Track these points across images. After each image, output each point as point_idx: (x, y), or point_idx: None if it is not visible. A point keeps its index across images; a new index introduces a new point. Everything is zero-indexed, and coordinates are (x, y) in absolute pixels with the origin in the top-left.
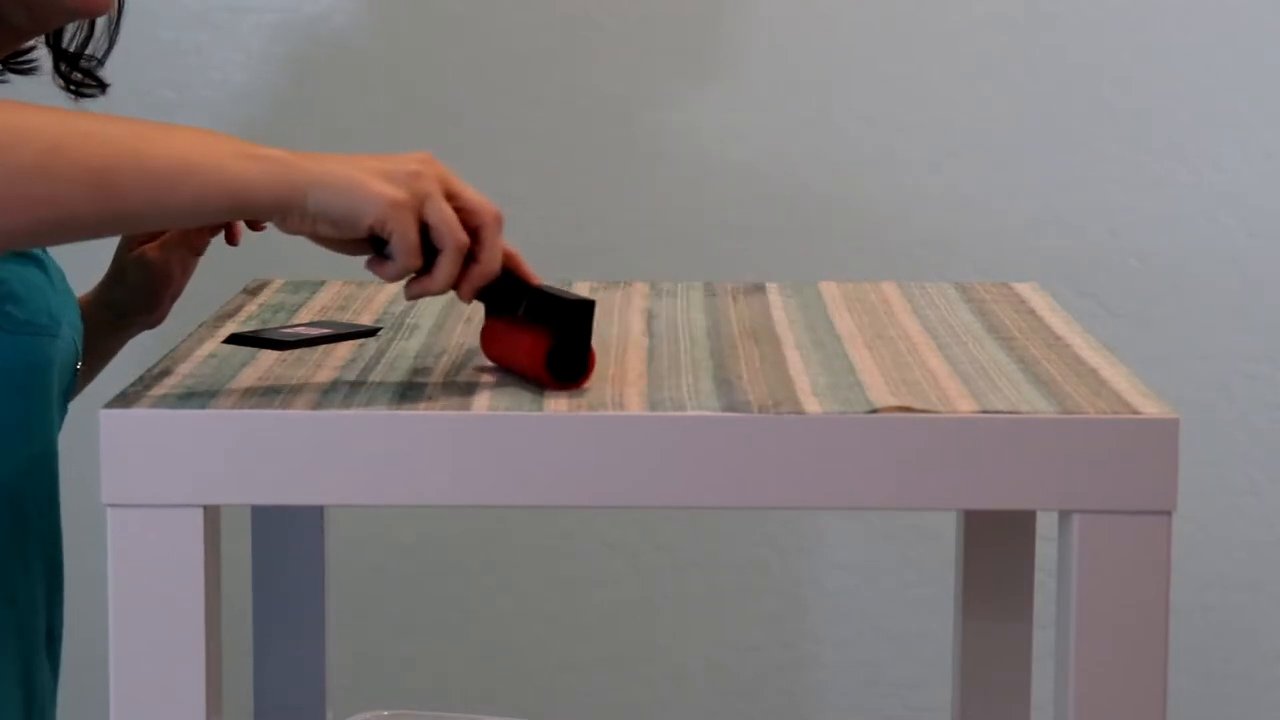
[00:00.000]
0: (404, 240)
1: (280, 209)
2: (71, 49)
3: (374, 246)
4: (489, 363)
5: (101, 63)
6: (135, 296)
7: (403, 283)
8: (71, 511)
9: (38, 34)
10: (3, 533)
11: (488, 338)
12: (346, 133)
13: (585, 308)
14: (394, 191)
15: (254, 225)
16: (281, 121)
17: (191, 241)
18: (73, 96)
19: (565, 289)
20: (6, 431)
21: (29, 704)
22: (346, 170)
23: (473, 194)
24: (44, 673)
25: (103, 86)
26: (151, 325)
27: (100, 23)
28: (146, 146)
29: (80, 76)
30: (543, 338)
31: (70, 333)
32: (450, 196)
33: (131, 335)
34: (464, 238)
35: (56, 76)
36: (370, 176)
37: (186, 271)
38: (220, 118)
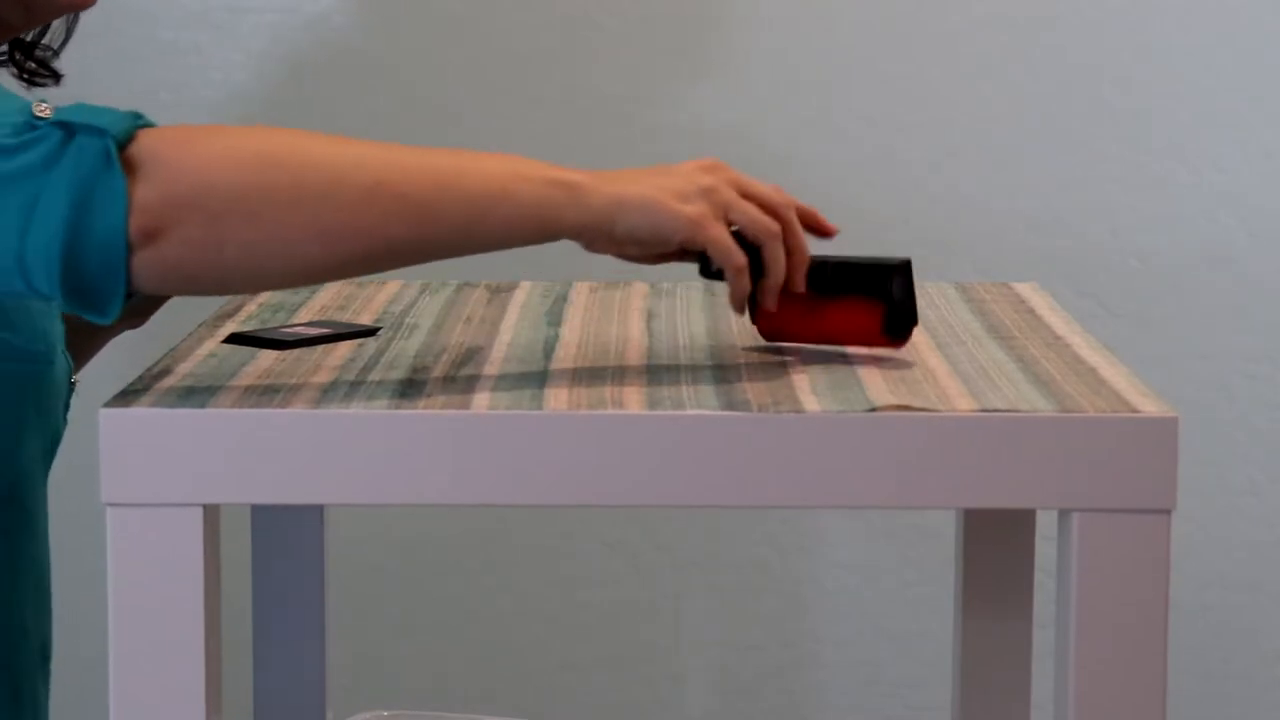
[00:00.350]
0: (719, 249)
1: (586, 234)
2: (29, 39)
3: (690, 255)
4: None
5: (57, 54)
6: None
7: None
8: (72, 511)
9: (29, 29)
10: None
11: (786, 319)
12: (346, 133)
13: (907, 266)
14: (694, 209)
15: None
16: (281, 122)
17: None
18: (26, 86)
19: (853, 256)
20: (3, 462)
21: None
22: (646, 191)
23: (764, 188)
24: (40, 690)
25: (56, 77)
26: (135, 327)
27: None
28: (463, 180)
29: (34, 66)
30: (873, 305)
31: (62, 356)
32: (745, 196)
33: (114, 336)
34: (775, 226)
35: (10, 65)
36: (669, 197)
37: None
38: (220, 118)
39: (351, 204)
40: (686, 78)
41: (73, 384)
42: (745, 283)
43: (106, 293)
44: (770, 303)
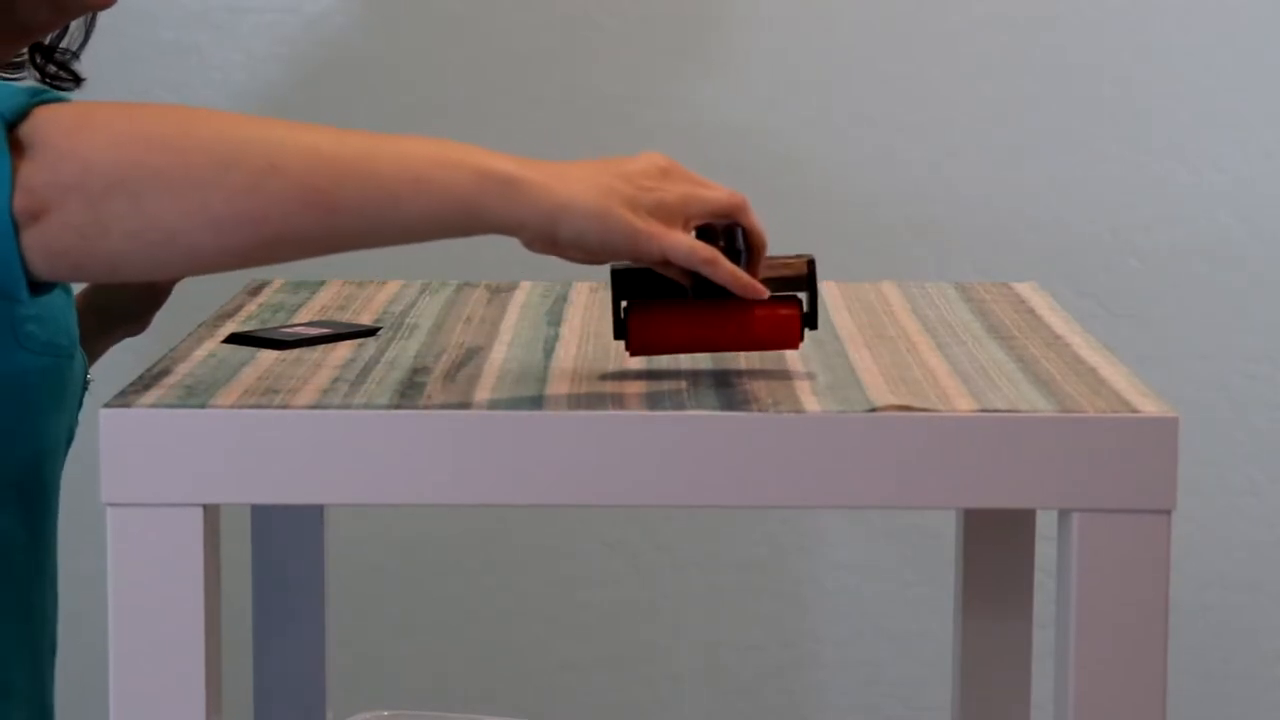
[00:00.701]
0: (682, 253)
1: (522, 233)
2: (47, 42)
3: None
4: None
5: (77, 56)
6: (130, 306)
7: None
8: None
9: (54, 29)
10: (23, 549)
11: (683, 321)
12: None
13: (812, 265)
14: (644, 224)
15: (137, 333)
16: None
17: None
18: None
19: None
20: (26, 451)
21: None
22: (595, 199)
23: (715, 192)
24: (49, 681)
25: (77, 80)
26: (135, 334)
27: None
28: (374, 164)
29: (55, 69)
30: (787, 307)
31: (80, 352)
32: (695, 201)
33: (113, 343)
34: (710, 253)
35: (32, 69)
36: (620, 205)
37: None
38: None
39: (243, 189)
40: (686, 78)
41: (88, 381)
42: (727, 267)
43: (4, 276)
44: (745, 289)
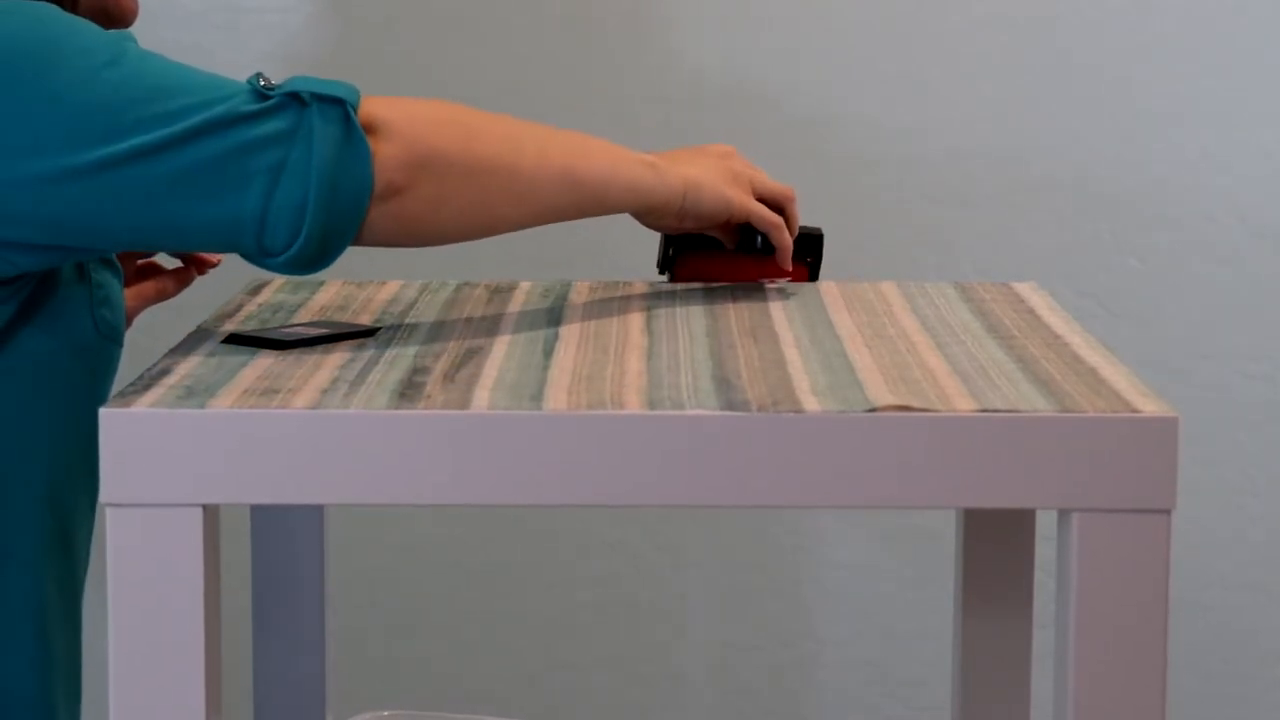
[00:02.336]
0: (762, 216)
1: (663, 209)
2: None
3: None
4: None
5: None
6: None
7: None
8: None
9: None
10: (85, 538)
11: (723, 267)
12: None
13: (820, 236)
14: (737, 191)
15: (206, 262)
16: None
17: (179, 276)
18: None
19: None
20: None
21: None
22: (706, 175)
23: (771, 180)
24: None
25: None
26: (168, 295)
27: None
28: (586, 158)
29: None
30: (799, 267)
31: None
32: (757, 183)
33: (144, 306)
34: (791, 190)
35: None
36: (722, 180)
37: (157, 297)
38: None
39: (528, 171)
40: (686, 78)
41: None
42: (786, 236)
43: (334, 247)
44: (787, 261)
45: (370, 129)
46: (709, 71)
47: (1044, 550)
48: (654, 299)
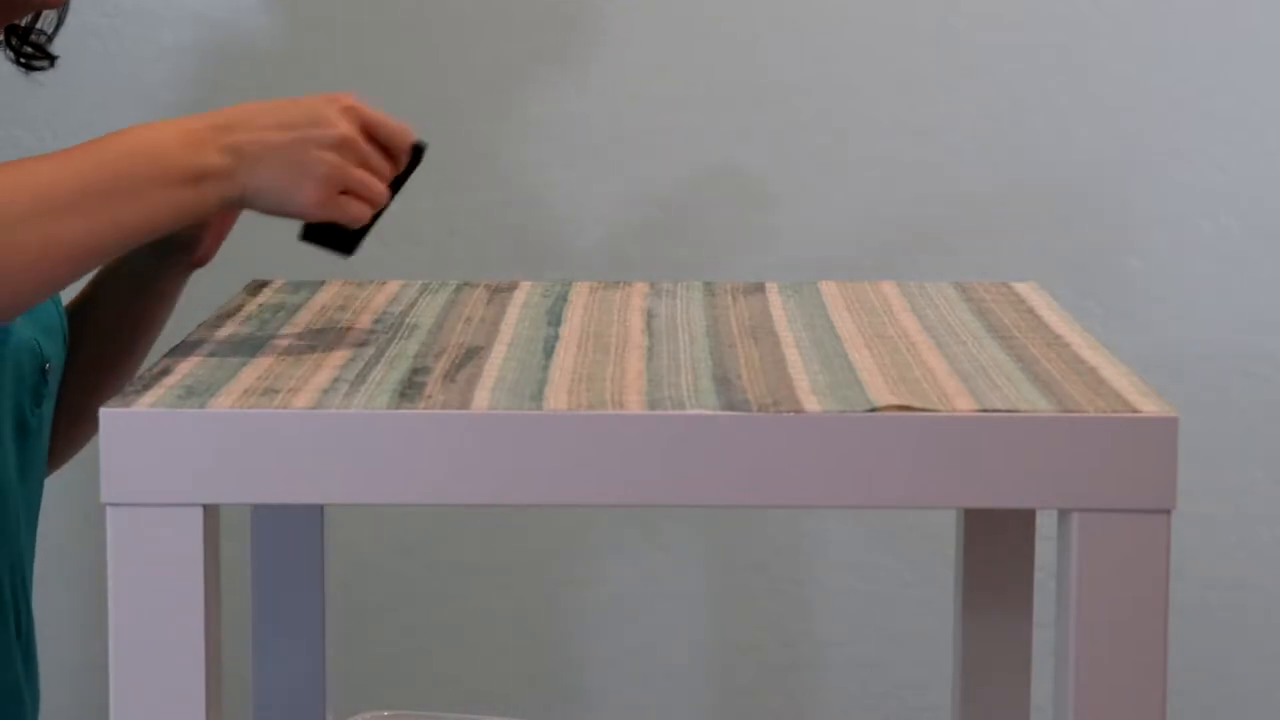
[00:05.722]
0: (349, 218)
1: (221, 214)
2: (23, 24)
3: None
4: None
5: (50, 38)
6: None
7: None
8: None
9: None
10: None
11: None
12: None
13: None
14: (320, 192)
15: (200, 262)
16: None
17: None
18: (24, 70)
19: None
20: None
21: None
22: (277, 176)
23: (390, 127)
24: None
25: (51, 60)
26: (197, 264)
27: None
28: (112, 203)
29: (30, 50)
30: None
31: (27, 331)
32: (371, 139)
33: (174, 280)
34: (380, 195)
35: (7, 50)
36: (300, 177)
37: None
38: None
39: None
40: (686, 78)
41: (45, 370)
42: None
43: None
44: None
45: None
46: (709, 71)
47: (1044, 550)
48: (654, 299)
